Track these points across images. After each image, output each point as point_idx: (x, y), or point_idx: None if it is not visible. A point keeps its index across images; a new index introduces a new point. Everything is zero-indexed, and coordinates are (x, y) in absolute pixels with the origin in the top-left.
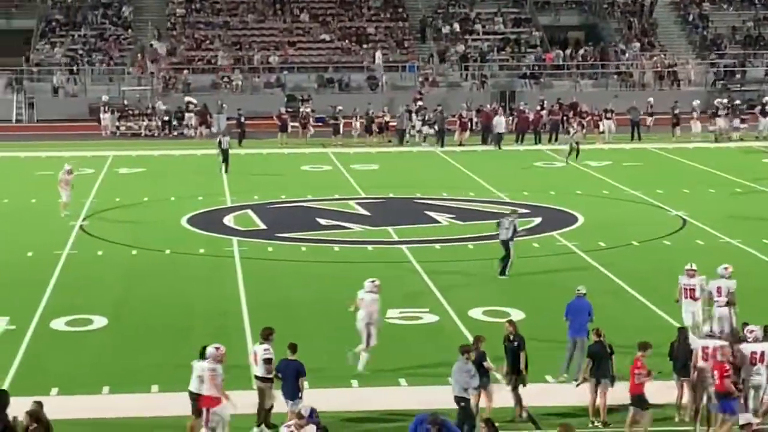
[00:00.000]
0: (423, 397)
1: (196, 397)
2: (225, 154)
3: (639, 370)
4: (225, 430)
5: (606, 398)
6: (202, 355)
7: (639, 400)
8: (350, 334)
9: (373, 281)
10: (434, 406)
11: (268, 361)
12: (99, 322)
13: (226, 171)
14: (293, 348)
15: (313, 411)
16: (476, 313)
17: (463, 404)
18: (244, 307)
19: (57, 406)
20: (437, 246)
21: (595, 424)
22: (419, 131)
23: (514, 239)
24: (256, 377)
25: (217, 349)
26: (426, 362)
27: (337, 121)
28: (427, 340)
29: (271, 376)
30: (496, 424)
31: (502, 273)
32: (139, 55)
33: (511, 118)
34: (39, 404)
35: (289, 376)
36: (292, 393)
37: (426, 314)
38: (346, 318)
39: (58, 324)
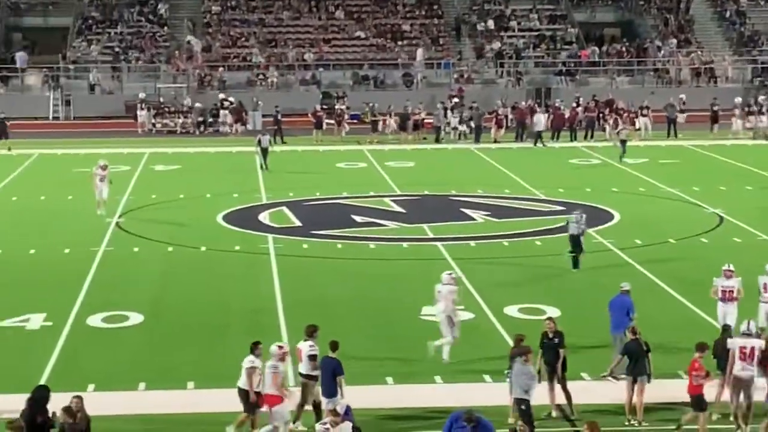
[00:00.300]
0: (458, 394)
1: (245, 394)
2: (264, 152)
3: (697, 372)
4: (285, 428)
5: (643, 396)
6: (252, 351)
7: (697, 401)
8: (385, 331)
9: (450, 273)
10: (469, 403)
11: (312, 358)
12: (135, 318)
13: (266, 169)
14: (333, 346)
15: (348, 409)
16: (512, 310)
17: (523, 407)
18: (280, 304)
19: (93, 402)
20: (472, 243)
21: (632, 422)
22: (454, 128)
23: (584, 234)
24: (300, 374)
25: (280, 347)
26: (461, 359)
27: (375, 118)
28: (463, 337)
29: (315, 373)
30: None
31: (575, 266)
32: (176, 51)
33: (546, 115)
34: (79, 398)
35: (327, 373)
36: (330, 391)
37: (461, 311)
38: (382, 315)
39: (95, 320)
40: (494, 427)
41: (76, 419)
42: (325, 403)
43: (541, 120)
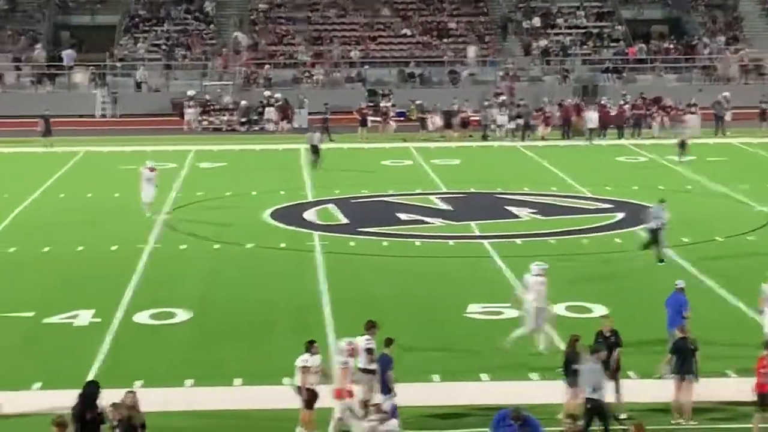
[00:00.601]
0: (505, 392)
1: (307, 391)
2: (315, 150)
3: (765, 369)
4: (358, 425)
5: (690, 395)
6: (308, 349)
7: (764, 399)
8: (431, 328)
9: (539, 265)
10: (516, 401)
11: (369, 351)
12: (182, 315)
13: (318, 167)
14: (386, 342)
15: (395, 407)
16: (558, 308)
17: (589, 405)
18: (326, 301)
19: (141, 399)
20: (518, 241)
21: (679, 421)
22: (500, 126)
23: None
24: (359, 369)
25: (349, 344)
26: (508, 357)
27: (423, 116)
28: (509, 335)
29: (372, 366)
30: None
31: (661, 260)
32: (224, 49)
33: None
34: (133, 394)
35: (380, 370)
36: (383, 387)
37: (507, 309)
38: (428, 313)
39: (142, 317)
40: (541, 424)
41: (130, 415)
42: (381, 400)
43: (593, 117)
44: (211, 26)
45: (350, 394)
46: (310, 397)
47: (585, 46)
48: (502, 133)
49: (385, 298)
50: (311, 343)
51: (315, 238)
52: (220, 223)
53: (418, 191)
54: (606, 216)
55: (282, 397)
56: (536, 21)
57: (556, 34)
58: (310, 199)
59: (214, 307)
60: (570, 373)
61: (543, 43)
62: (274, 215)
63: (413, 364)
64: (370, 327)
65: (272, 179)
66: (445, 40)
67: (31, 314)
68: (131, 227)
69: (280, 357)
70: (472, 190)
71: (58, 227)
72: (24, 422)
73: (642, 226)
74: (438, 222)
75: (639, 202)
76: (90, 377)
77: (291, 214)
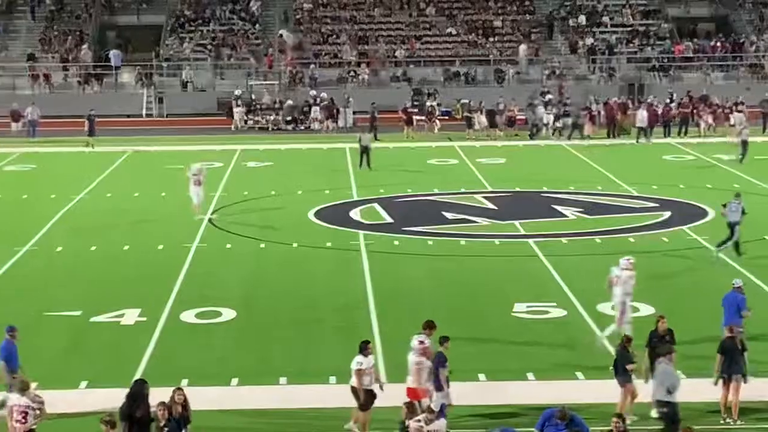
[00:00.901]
0: (551, 391)
1: (364, 393)
2: (365, 150)
3: None
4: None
5: (738, 395)
6: (362, 351)
7: None
8: (477, 327)
9: (628, 259)
10: (562, 400)
11: (438, 354)
12: (228, 314)
13: (368, 166)
14: (441, 340)
15: (443, 407)
16: (604, 307)
17: (666, 409)
18: (371, 300)
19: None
20: (564, 240)
21: (727, 421)
22: (546, 124)
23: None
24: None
25: (421, 342)
26: (553, 356)
27: (470, 115)
28: (555, 334)
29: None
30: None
31: (739, 253)
32: (269, 49)
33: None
34: (181, 390)
35: (434, 368)
36: (436, 384)
37: (553, 308)
38: (474, 312)
39: (188, 316)
40: (588, 424)
41: (178, 412)
42: (434, 397)
43: (644, 116)
44: (257, 26)
45: (426, 393)
46: (366, 399)
47: (631, 44)
48: (550, 132)
49: (430, 297)
50: (365, 344)
51: (360, 238)
52: (265, 223)
53: (463, 190)
54: (652, 215)
55: (326, 396)
56: (582, 19)
57: (602, 33)
58: (355, 198)
59: (259, 306)
60: (621, 372)
61: (589, 41)
62: (319, 214)
63: (459, 363)
64: (428, 327)
65: (317, 179)
66: (490, 39)
67: (78, 313)
68: (177, 227)
69: (325, 356)
70: (518, 189)
71: (105, 227)
72: (71, 421)
73: (729, 220)
74: (483, 221)
75: (685, 201)
76: (136, 376)
77: (336, 214)
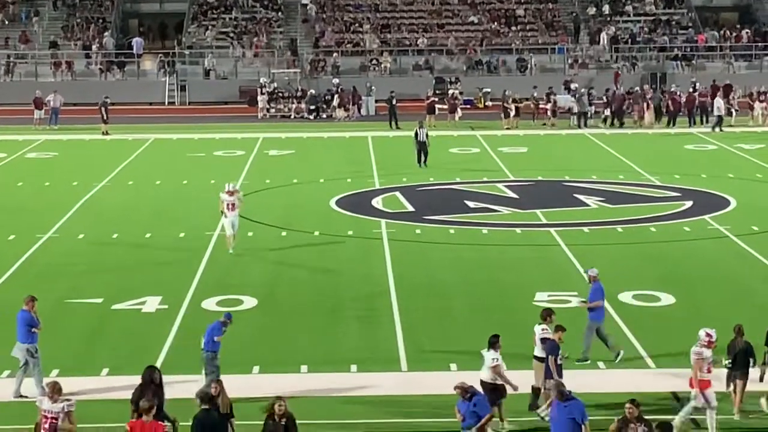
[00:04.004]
0: (573, 380)
1: (492, 387)
2: (422, 146)
3: None
4: (712, 413)
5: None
6: (494, 345)
7: None
8: (499, 316)
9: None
10: (580, 389)
11: (542, 341)
12: (249, 302)
13: (424, 163)
14: (556, 329)
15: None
16: (626, 297)
17: None
18: (393, 289)
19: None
20: (586, 229)
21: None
22: (574, 113)
23: None
24: (534, 357)
25: (708, 335)
26: (574, 346)
27: (507, 105)
28: (576, 323)
29: (544, 355)
30: None
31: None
32: (297, 39)
33: (662, 100)
34: (219, 382)
35: (546, 356)
36: (547, 373)
37: (575, 297)
38: (495, 301)
39: (210, 304)
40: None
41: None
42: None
43: (721, 105)
44: (279, 13)
45: (709, 383)
46: (499, 393)
47: (654, 34)
48: (575, 121)
49: (452, 285)
50: (496, 338)
51: (382, 226)
52: (287, 211)
53: (485, 179)
54: (674, 204)
55: (349, 384)
56: (605, 8)
57: (625, 22)
58: (377, 187)
59: (280, 294)
60: (742, 364)
61: (611, 30)
62: (340, 203)
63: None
64: (547, 316)
65: (339, 167)
66: (513, 28)
67: (99, 301)
68: (199, 214)
69: (346, 344)
70: (540, 178)
71: (127, 214)
72: (94, 408)
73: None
74: (505, 210)
75: (707, 191)
76: (158, 364)
77: (358, 202)
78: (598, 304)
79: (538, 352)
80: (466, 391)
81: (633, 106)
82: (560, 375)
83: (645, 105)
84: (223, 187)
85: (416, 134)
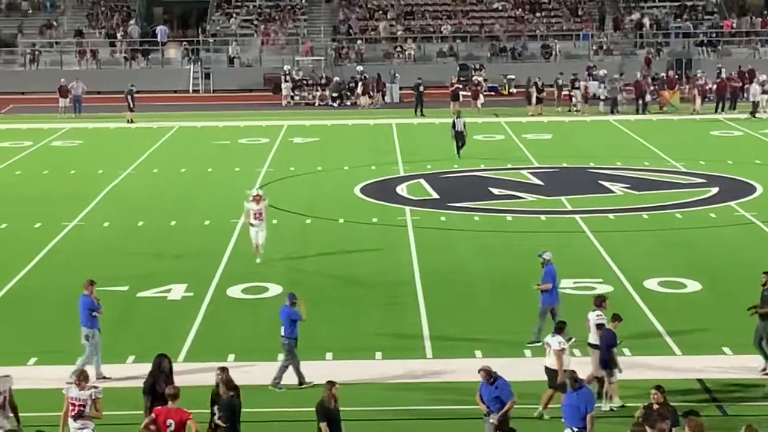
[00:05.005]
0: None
1: (554, 373)
2: (459, 136)
3: None
4: None
5: None
6: (559, 331)
7: None
8: (523, 302)
9: None
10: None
11: (599, 327)
12: (274, 289)
13: (458, 155)
14: (614, 317)
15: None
16: (651, 283)
17: None
18: (417, 276)
19: (234, 372)
20: (611, 216)
21: None
22: (602, 99)
23: None
24: (589, 344)
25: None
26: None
27: (531, 90)
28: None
29: (599, 342)
30: None
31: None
32: (321, 27)
33: (687, 86)
34: (224, 369)
35: (603, 344)
36: (603, 362)
37: (600, 284)
38: (520, 288)
39: (235, 291)
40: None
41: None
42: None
43: (756, 90)
44: (303, 0)
45: None
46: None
47: (679, 20)
48: (606, 108)
49: (477, 273)
50: (564, 324)
51: (406, 213)
52: (311, 198)
53: (509, 166)
54: (700, 191)
55: (376, 370)
56: None
57: (650, 8)
58: (402, 174)
59: (305, 281)
60: None
61: (636, 16)
62: (365, 190)
63: (505, 338)
64: (601, 302)
65: (364, 154)
66: (537, 14)
67: (125, 288)
68: (224, 202)
69: (371, 332)
70: (565, 165)
71: (152, 202)
72: (121, 395)
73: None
74: (530, 197)
75: (733, 177)
76: (183, 351)
77: (382, 189)
78: (548, 287)
79: (593, 339)
80: (490, 375)
81: (658, 93)
82: (615, 364)
83: (696, 90)
84: (248, 194)
85: (453, 123)
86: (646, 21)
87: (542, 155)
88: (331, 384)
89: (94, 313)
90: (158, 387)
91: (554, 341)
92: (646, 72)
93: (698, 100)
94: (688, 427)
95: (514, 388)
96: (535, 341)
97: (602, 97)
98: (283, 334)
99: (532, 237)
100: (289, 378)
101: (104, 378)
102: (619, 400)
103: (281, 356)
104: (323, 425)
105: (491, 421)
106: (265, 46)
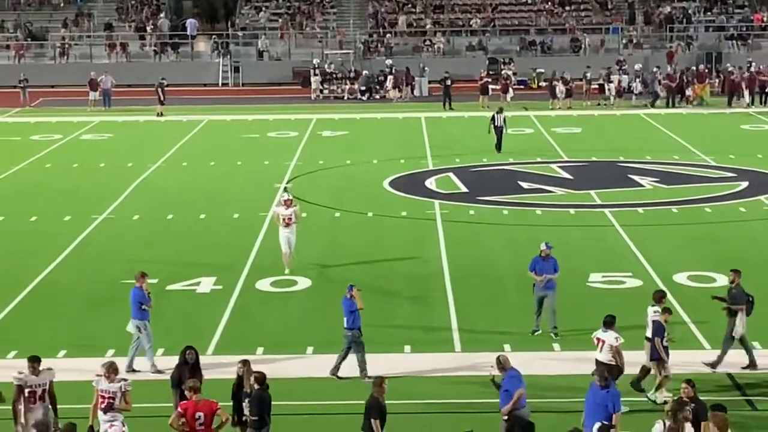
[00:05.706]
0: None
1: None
2: (499, 131)
3: None
4: None
5: None
6: (609, 325)
7: None
8: None
9: None
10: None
11: (654, 323)
12: (303, 283)
13: (498, 151)
14: (664, 311)
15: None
16: (681, 278)
17: None
18: (446, 270)
19: (263, 365)
20: (640, 210)
21: None
22: (636, 93)
23: None
24: (646, 338)
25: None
26: (628, 327)
27: (569, 86)
28: (631, 304)
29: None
30: None
31: None
32: (350, 20)
33: (717, 80)
34: (245, 362)
35: (651, 337)
36: (653, 353)
37: (629, 278)
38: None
39: (264, 285)
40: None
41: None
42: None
43: None
44: None
45: None
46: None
47: (709, 13)
48: (641, 101)
49: (506, 266)
50: (613, 317)
51: (435, 207)
52: (340, 192)
53: (539, 160)
54: (729, 185)
55: (406, 364)
56: None
57: (680, 1)
58: (431, 167)
59: (334, 275)
60: None
61: (666, 10)
62: (394, 184)
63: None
64: (660, 298)
65: (393, 147)
66: (566, 8)
67: (154, 281)
68: (253, 195)
69: (399, 325)
70: (594, 159)
71: (181, 195)
72: (150, 388)
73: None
74: (559, 191)
75: (763, 171)
76: (212, 344)
77: (411, 183)
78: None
79: (650, 333)
80: (501, 364)
81: (689, 86)
82: (667, 356)
83: (744, 85)
84: (278, 198)
85: (493, 118)
86: (676, 14)
87: (571, 149)
88: (380, 379)
89: (143, 306)
90: (184, 379)
91: (609, 337)
92: (676, 65)
93: (746, 93)
94: (712, 422)
95: (541, 382)
96: (536, 330)
97: (636, 91)
98: (344, 326)
99: (561, 231)
100: (310, 370)
101: (134, 371)
102: (668, 393)
103: (311, 349)
104: (376, 423)
105: (503, 417)
106: (284, 40)
